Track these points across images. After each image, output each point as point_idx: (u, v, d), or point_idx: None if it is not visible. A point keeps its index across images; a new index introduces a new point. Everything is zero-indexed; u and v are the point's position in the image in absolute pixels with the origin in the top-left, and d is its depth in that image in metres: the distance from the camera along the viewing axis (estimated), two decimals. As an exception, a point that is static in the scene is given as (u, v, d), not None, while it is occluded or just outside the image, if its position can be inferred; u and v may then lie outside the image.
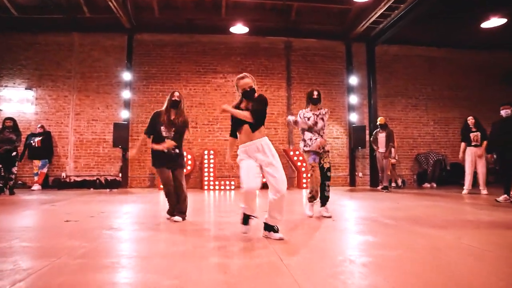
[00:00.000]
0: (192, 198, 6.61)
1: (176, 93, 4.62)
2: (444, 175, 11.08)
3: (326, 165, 4.90)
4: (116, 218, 4.69)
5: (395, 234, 3.61)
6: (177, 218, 4.46)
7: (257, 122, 3.40)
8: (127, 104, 10.54)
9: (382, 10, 9.30)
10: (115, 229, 3.93)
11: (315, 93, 4.95)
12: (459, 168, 10.00)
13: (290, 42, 11.50)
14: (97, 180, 10.33)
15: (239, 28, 10.23)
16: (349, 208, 5.93)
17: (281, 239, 3.32)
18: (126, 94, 10.52)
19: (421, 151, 11.56)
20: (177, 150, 4.54)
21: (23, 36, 10.68)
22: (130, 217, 4.81)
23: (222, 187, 10.08)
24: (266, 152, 3.35)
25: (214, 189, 9.95)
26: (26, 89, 10.67)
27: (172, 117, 4.55)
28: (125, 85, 10.59)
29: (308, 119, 4.87)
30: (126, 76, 10.53)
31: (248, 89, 3.43)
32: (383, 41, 11.00)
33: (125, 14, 9.86)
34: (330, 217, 4.69)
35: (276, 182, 3.26)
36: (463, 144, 8.31)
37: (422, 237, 3.42)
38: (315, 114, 4.88)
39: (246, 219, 3.44)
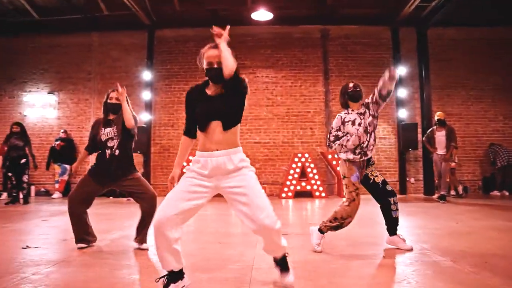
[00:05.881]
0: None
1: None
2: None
3: (379, 179, 3.51)
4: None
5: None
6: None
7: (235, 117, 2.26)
8: (148, 106, 9.79)
9: (434, -16, 7.74)
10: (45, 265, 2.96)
11: (350, 85, 3.50)
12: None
13: (327, 31, 10.17)
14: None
15: (262, 14, 8.92)
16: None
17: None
18: (146, 95, 9.76)
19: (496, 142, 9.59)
20: None
21: (44, 39, 10.34)
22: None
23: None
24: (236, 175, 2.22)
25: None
26: (48, 93, 10.32)
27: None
28: (145, 86, 9.85)
29: (353, 123, 3.45)
30: (147, 75, 9.78)
31: (216, 66, 2.18)
32: (437, 23, 9.30)
33: (142, 8, 9.14)
34: (411, 249, 3.38)
35: (252, 212, 2.13)
36: None
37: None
38: (360, 114, 3.47)
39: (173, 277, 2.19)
